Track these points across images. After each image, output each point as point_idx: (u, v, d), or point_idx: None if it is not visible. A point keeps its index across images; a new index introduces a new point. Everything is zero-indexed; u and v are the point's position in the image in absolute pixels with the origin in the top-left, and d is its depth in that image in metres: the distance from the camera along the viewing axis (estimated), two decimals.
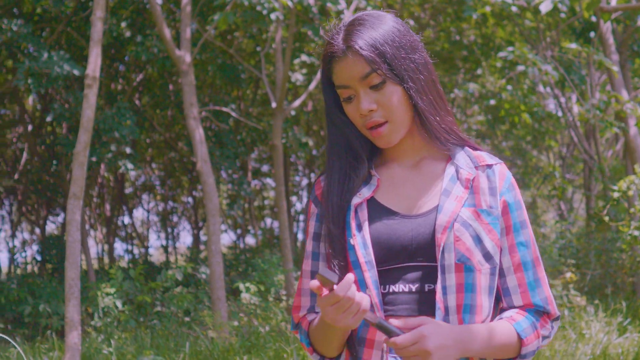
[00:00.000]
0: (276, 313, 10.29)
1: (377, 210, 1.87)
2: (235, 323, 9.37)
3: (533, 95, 13.45)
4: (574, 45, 8.37)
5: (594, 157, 15.08)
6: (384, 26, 1.84)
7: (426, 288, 1.80)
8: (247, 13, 10.78)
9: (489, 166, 1.91)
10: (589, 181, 16.94)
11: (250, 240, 25.10)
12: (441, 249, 1.78)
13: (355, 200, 1.88)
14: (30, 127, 16.33)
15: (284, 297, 11.41)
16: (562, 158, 23.68)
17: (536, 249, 1.91)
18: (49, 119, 12.78)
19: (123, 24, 12.34)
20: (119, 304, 9.28)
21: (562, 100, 14.43)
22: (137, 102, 16.03)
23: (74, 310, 6.12)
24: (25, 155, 16.52)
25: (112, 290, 9.35)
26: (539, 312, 1.89)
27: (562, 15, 11.81)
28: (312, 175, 23.83)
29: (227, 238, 24.90)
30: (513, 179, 1.93)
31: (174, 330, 9.23)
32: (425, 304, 1.79)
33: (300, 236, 25.23)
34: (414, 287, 1.80)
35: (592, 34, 12.23)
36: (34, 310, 10.76)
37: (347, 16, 10.00)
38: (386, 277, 1.82)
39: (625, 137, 9.32)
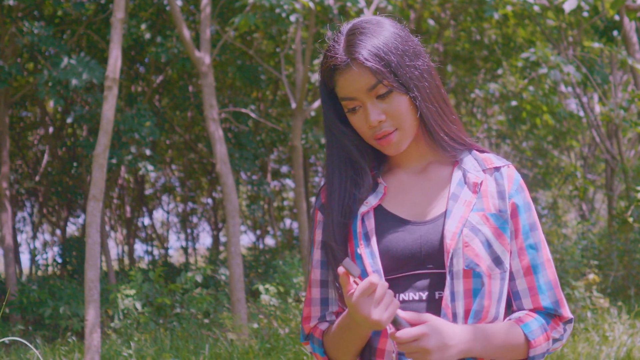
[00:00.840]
0: (296, 315, 10.25)
1: (384, 218, 1.84)
2: (255, 325, 9.34)
3: (554, 95, 13.34)
4: (597, 44, 8.26)
5: (616, 157, 14.94)
6: (385, 33, 1.78)
7: (436, 295, 1.77)
8: (266, 15, 10.77)
9: (497, 169, 1.88)
10: (611, 181, 16.79)
11: (269, 241, 25.12)
12: (450, 255, 1.74)
13: (362, 209, 1.85)
14: (51, 129, 16.41)
15: (304, 299, 11.35)
16: (584, 158, 23.48)
17: (547, 251, 1.88)
18: (69, 120, 12.82)
19: (143, 26, 12.35)
20: (138, 305, 9.28)
21: (584, 100, 14.29)
22: (157, 103, 16.06)
23: (93, 312, 6.11)
24: (46, 157, 16.59)
25: (132, 292, 9.35)
26: (550, 315, 1.86)
27: (585, 14, 11.70)
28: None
29: (246, 239, 24.90)
30: (522, 180, 1.90)
31: (193, 332, 9.21)
32: (435, 312, 1.75)
33: None
34: (424, 295, 1.77)
35: (615, 33, 12.09)
36: (55, 312, 10.79)
37: (368, 15, 9.92)
38: (395, 285, 1.78)
39: None
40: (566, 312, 1.86)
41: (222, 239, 21.94)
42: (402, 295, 1.77)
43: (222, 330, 9.49)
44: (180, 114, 17.35)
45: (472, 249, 1.75)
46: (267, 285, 10.40)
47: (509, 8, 9.53)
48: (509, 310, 1.88)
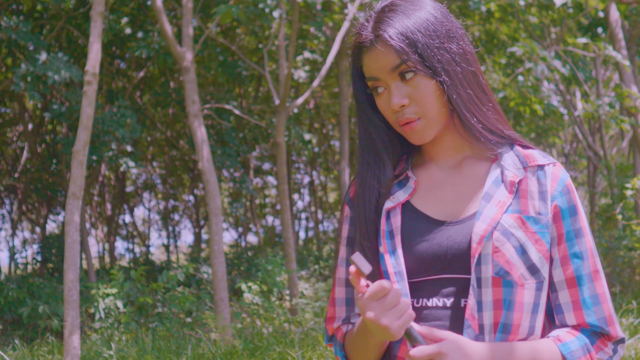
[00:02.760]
0: (279, 314, 10.14)
1: (411, 216, 1.70)
2: (239, 325, 9.22)
3: (537, 92, 13.32)
4: (584, 40, 8.20)
5: (599, 154, 14.95)
6: (418, 12, 1.67)
7: (462, 303, 1.62)
8: (249, 10, 10.65)
9: (540, 167, 1.71)
10: (593, 178, 16.82)
11: (251, 238, 25.00)
12: (475, 260, 1.59)
13: (388, 205, 1.72)
14: (30, 126, 16.19)
15: (287, 297, 11.26)
16: (565, 155, 23.56)
17: (595, 261, 1.69)
18: (48, 118, 12.63)
19: (124, 21, 12.18)
20: (119, 304, 9.13)
21: (567, 97, 14.28)
22: (138, 100, 15.88)
23: (73, 313, 5.97)
24: (25, 153, 16.37)
25: (113, 291, 9.19)
26: (596, 334, 1.66)
27: (570, 10, 11.67)
28: (315, 173, 23.69)
29: (228, 236, 24.80)
30: (569, 181, 1.72)
31: (175, 332, 9.07)
32: (459, 321, 1.61)
33: (302, 234, 25.14)
34: (448, 302, 1.63)
35: (599, 30, 12.07)
36: (33, 311, 10.61)
37: (352, 10, 9.83)
38: (418, 289, 1.64)
39: (635, 133, 9.15)
40: (616, 330, 1.66)
41: (204, 236, 21.80)
42: (425, 301, 1.64)
43: (205, 330, 9.36)
44: (162, 111, 17.19)
45: (503, 254, 1.60)
46: (250, 284, 10.27)
47: (492, 5, 9.47)
48: (554, 325, 1.71)
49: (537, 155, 1.72)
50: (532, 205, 1.65)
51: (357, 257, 1.46)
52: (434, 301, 1.63)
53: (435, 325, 1.62)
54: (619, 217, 8.00)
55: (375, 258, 1.68)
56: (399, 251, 1.65)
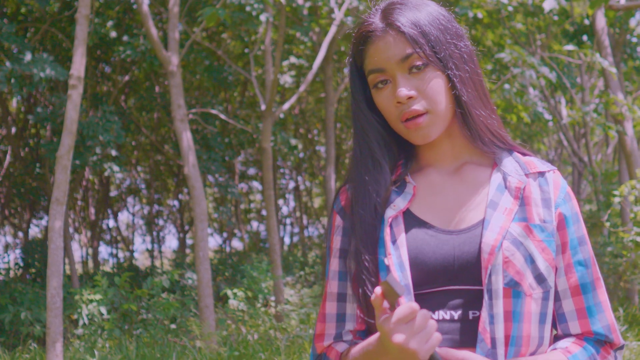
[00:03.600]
0: (265, 320, 10.07)
1: (413, 225, 1.62)
2: (224, 332, 9.15)
3: (522, 99, 13.35)
4: (571, 47, 8.20)
5: (584, 161, 15.00)
6: (427, 8, 1.64)
7: (470, 315, 1.55)
8: (236, 14, 10.60)
9: (541, 174, 1.66)
10: (577, 185, 16.87)
11: (236, 243, 24.90)
12: (488, 271, 1.53)
13: (390, 213, 1.63)
14: (13, 129, 16.03)
15: (273, 304, 11.19)
16: (550, 162, 23.64)
17: (597, 269, 1.66)
18: (32, 121, 12.51)
19: (109, 24, 12.09)
20: (103, 310, 9.03)
21: (552, 103, 14.32)
22: (122, 104, 15.78)
23: (56, 321, 5.88)
24: (8, 157, 16.21)
25: (97, 297, 9.09)
26: (600, 342, 1.63)
27: (555, 17, 11.69)
28: (300, 178, 23.64)
29: (212, 242, 24.64)
30: (569, 188, 1.69)
31: (159, 338, 8.98)
32: (469, 334, 1.54)
33: (287, 240, 25.06)
34: (456, 315, 1.56)
35: (584, 38, 12.11)
36: (15, 317, 10.47)
37: (339, 16, 9.79)
38: (425, 302, 1.56)
39: (621, 140, 9.17)
40: (618, 338, 1.64)
41: (189, 241, 21.69)
42: (431, 314, 1.54)
43: (190, 337, 9.27)
44: (147, 115, 17.07)
45: (513, 264, 1.54)
46: (235, 290, 10.20)
47: (479, 15, 9.47)
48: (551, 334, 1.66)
49: (536, 162, 1.69)
50: (536, 213, 1.61)
51: (392, 278, 1.38)
52: (440, 314, 1.57)
53: (444, 339, 1.55)
54: (607, 224, 8.00)
55: (375, 267, 1.60)
56: (406, 262, 1.57)
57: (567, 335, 1.64)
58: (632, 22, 14.42)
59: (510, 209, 1.59)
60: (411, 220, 1.63)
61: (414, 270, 1.57)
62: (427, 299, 1.56)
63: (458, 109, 1.63)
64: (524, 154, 1.71)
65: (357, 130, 1.72)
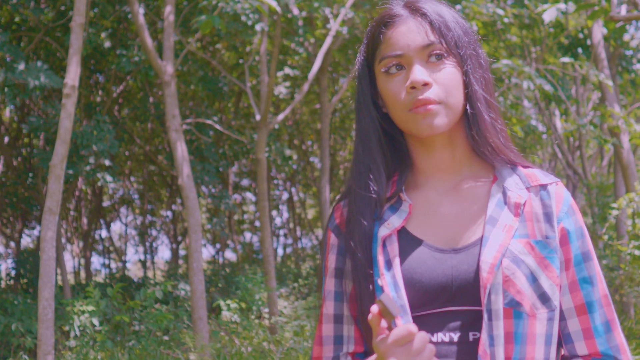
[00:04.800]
0: (258, 332, 9.99)
1: (409, 244, 1.55)
2: (218, 345, 9.06)
3: (516, 111, 13.35)
4: (567, 59, 8.19)
5: (579, 173, 15.00)
6: (450, 9, 1.60)
7: (470, 337, 1.48)
8: (231, 24, 10.56)
9: (543, 186, 1.59)
10: (572, 197, 16.84)
11: (229, 254, 24.80)
12: (487, 291, 1.45)
13: (383, 232, 1.55)
14: (6, 139, 15.96)
15: (266, 316, 11.11)
16: None
17: (604, 286, 1.58)
18: (25, 130, 12.43)
19: (103, 34, 12.04)
20: (95, 322, 8.93)
21: (545, 115, 14.32)
22: (116, 114, 15.72)
23: (47, 333, 5.80)
24: (0, 167, 16.12)
25: (90, 308, 9.00)
26: None
27: (551, 30, 11.69)
28: (293, 189, 23.58)
29: (205, 252, 24.54)
30: (573, 201, 1.61)
31: (152, 350, 8.88)
32: (469, 356, 1.47)
33: (280, 251, 24.98)
34: (455, 337, 1.48)
35: (579, 50, 12.13)
36: (6, 328, 10.36)
37: (334, 26, 9.77)
38: (422, 324, 1.49)
39: (617, 153, 9.15)
40: (628, 358, 1.56)
41: (182, 252, 21.59)
42: (429, 337, 1.47)
43: (183, 349, 9.18)
44: (141, 125, 17.02)
45: (514, 283, 1.47)
46: (228, 302, 10.12)
47: (475, 27, 9.46)
48: (559, 354, 1.58)
49: (538, 174, 1.61)
50: (538, 229, 1.53)
51: (386, 297, 1.32)
52: (439, 336, 1.49)
53: None
54: (605, 237, 7.96)
55: (372, 290, 1.53)
56: (400, 282, 1.50)
57: (573, 356, 1.56)
58: (626, 36, 14.45)
59: (510, 226, 1.52)
60: (406, 238, 1.56)
61: (410, 291, 1.50)
62: (424, 321, 1.49)
63: (470, 110, 1.57)
64: (525, 166, 1.63)
65: (359, 127, 1.66)
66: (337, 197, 1.73)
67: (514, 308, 1.46)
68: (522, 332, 1.47)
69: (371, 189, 1.60)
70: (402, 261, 1.53)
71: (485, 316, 1.45)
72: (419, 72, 1.52)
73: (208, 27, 6.35)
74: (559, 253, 1.54)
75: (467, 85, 1.57)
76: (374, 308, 1.36)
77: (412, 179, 1.65)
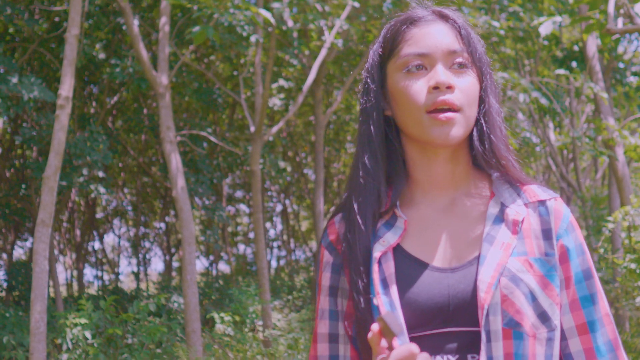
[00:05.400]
0: (252, 345, 9.92)
1: (404, 262, 1.49)
2: (212, 358, 9.00)
3: (509, 123, 13.37)
4: (562, 71, 8.19)
5: (573, 185, 15.00)
6: (470, 27, 1.58)
7: (469, 359, 1.43)
8: (225, 36, 10.55)
9: (542, 202, 1.54)
10: None
11: (223, 266, 24.72)
12: (485, 311, 1.40)
13: (379, 249, 1.50)
14: None
15: (260, 329, 11.05)
16: None
17: (605, 304, 1.53)
18: (18, 142, 12.38)
19: (97, 46, 12.02)
20: (88, 335, 8.86)
21: (539, 128, 14.34)
22: (110, 125, 15.68)
23: (39, 346, 5.74)
24: None
25: (82, 321, 8.92)
26: None
27: (545, 42, 11.71)
28: (287, 201, 23.54)
29: (199, 264, 24.48)
30: (572, 217, 1.56)
31: None
32: None
33: (274, 263, 24.91)
34: (453, 359, 1.44)
35: (574, 63, 12.15)
36: None
37: (329, 39, 9.75)
38: (418, 345, 1.42)
39: (612, 165, 9.15)
40: None
41: (175, 264, 21.51)
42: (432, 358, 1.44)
43: None
44: (134, 137, 16.98)
45: (513, 303, 1.41)
46: (222, 314, 10.05)
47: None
48: None
49: (536, 190, 1.56)
50: (537, 246, 1.48)
51: (389, 315, 1.28)
52: (437, 359, 1.44)
53: None
54: (601, 250, 7.94)
55: (369, 309, 1.48)
56: (397, 303, 1.44)
57: None
58: (620, 49, 14.49)
59: (508, 244, 1.47)
60: (402, 256, 1.50)
61: (406, 311, 1.45)
62: (421, 342, 1.44)
63: (485, 125, 1.54)
64: (523, 182, 1.58)
65: (364, 129, 1.59)
66: (332, 210, 1.67)
67: (513, 328, 1.41)
68: (523, 353, 1.42)
69: (374, 199, 1.55)
70: (397, 280, 1.47)
71: (483, 337, 1.40)
72: (443, 74, 1.48)
73: (202, 38, 6.32)
74: (559, 271, 1.49)
75: (482, 100, 1.54)
76: (375, 326, 1.31)
77: (408, 193, 1.60)
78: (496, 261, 1.44)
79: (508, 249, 1.46)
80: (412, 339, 1.44)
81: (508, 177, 1.56)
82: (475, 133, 1.55)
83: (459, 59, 1.50)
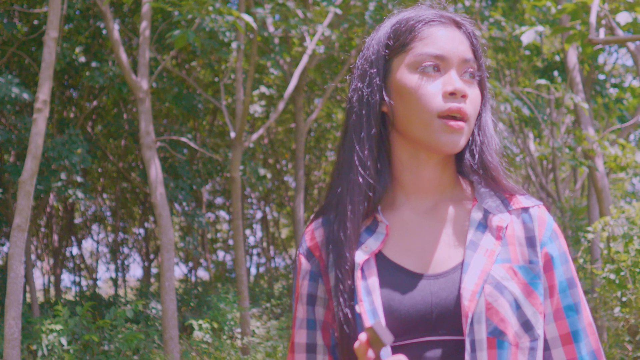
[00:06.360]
0: (230, 353, 9.86)
1: (386, 269, 1.45)
2: None
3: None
4: (543, 81, 8.22)
5: (553, 196, 15.06)
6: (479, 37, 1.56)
7: None
8: (207, 42, 10.51)
9: (525, 209, 1.50)
10: None
11: (202, 273, 24.61)
12: (469, 319, 1.36)
13: (361, 255, 1.45)
14: None
15: (238, 336, 10.98)
16: None
17: (588, 313, 1.51)
18: None
19: (77, 49, 11.93)
20: (64, 341, 8.75)
21: (519, 138, 14.40)
22: (89, 130, 15.57)
23: (13, 352, 5.65)
24: None
25: (58, 327, 8.82)
26: None
27: (527, 52, 11.77)
28: (267, 208, 23.48)
29: (178, 271, 24.33)
30: (556, 225, 1.53)
31: None
32: None
33: (253, 270, 24.82)
34: None
35: (555, 73, 12.21)
36: None
37: (310, 46, 9.74)
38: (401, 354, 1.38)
39: (592, 176, 9.18)
40: None
41: (154, 270, 21.37)
42: None
43: None
44: (114, 142, 16.87)
45: (497, 311, 1.37)
46: (200, 321, 9.98)
47: None
48: None
49: (520, 197, 1.53)
50: (520, 253, 1.45)
51: (378, 324, 1.24)
52: None
53: None
54: (581, 260, 7.95)
55: (352, 317, 1.43)
56: (380, 311, 1.40)
57: None
58: (601, 60, 14.60)
59: (492, 250, 1.43)
60: (383, 263, 1.46)
61: (388, 319, 1.40)
62: (404, 352, 1.39)
63: (480, 138, 1.52)
64: (506, 189, 1.54)
65: (358, 121, 1.53)
66: (312, 216, 1.62)
67: (497, 337, 1.37)
68: None
69: (364, 198, 1.49)
70: (380, 287, 1.43)
71: (468, 347, 1.36)
72: (460, 81, 1.45)
73: (182, 42, 6.26)
74: (543, 279, 1.46)
75: (479, 112, 1.53)
76: (362, 336, 1.27)
77: (390, 196, 1.55)
78: (480, 268, 1.40)
79: (492, 256, 1.42)
80: (394, 349, 1.39)
81: (493, 185, 1.53)
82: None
83: (470, 69, 1.48)
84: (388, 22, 1.54)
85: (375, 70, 1.51)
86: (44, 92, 6.24)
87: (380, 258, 1.46)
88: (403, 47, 1.49)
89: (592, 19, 4.83)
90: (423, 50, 1.46)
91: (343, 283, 1.44)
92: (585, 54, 4.71)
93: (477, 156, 1.51)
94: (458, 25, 1.51)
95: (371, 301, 1.41)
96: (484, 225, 1.47)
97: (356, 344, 1.28)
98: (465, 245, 1.45)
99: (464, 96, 1.43)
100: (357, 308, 1.41)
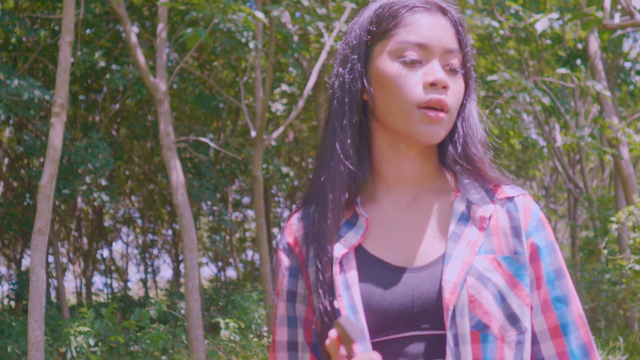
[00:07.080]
0: (257, 352, 9.87)
1: (366, 263, 1.41)
2: None
3: (515, 125, 13.28)
4: (564, 70, 8.11)
5: (580, 187, 14.91)
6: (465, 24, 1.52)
7: None
8: (225, 42, 10.53)
9: (510, 199, 1.46)
10: (574, 211, 16.74)
11: (231, 272, 24.69)
12: (451, 313, 1.32)
13: (340, 249, 1.41)
14: (6, 160, 15.94)
15: (265, 334, 11.00)
16: (545, 188, 23.51)
17: (578, 305, 1.46)
18: (18, 152, 12.40)
19: (97, 54, 12.02)
20: (91, 342, 8.83)
21: (546, 129, 14.26)
22: (114, 133, 15.69)
23: (37, 354, 5.70)
24: (1, 188, 16.07)
25: (86, 329, 8.90)
26: None
27: (548, 42, 11.64)
28: (294, 207, 23.50)
29: (208, 271, 24.46)
30: (542, 214, 1.48)
31: None
32: None
33: None
34: None
35: (578, 62, 12.07)
36: (2, 350, 10.26)
37: (329, 42, 9.70)
38: (382, 351, 1.36)
39: (617, 164, 9.04)
40: None
41: (183, 270, 21.48)
42: None
43: None
44: (139, 144, 16.99)
45: (480, 304, 1.33)
46: (227, 320, 10.00)
47: (471, 40, 9.40)
48: None
49: (505, 187, 1.49)
50: (505, 244, 1.40)
51: (345, 320, 1.21)
52: None
53: None
54: (604, 251, 7.84)
55: (332, 313, 1.40)
56: (359, 306, 1.36)
57: None
58: (626, 47, 14.41)
59: (474, 241, 1.39)
60: (363, 257, 1.42)
61: (368, 314, 1.37)
62: (384, 347, 1.36)
63: (463, 129, 1.48)
64: (490, 178, 1.49)
65: (339, 109, 1.49)
66: (294, 207, 1.59)
67: (481, 331, 1.33)
68: (491, 357, 1.34)
69: (346, 189, 1.45)
70: (359, 281, 1.39)
71: (450, 341, 1.32)
72: (441, 71, 1.41)
73: (195, 40, 6.26)
74: (529, 270, 1.41)
75: (462, 104, 1.49)
76: (332, 332, 1.24)
77: (370, 188, 1.51)
78: (462, 260, 1.36)
79: (474, 247, 1.38)
80: (374, 345, 1.36)
81: (478, 176, 1.49)
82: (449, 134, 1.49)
83: (454, 60, 1.43)
84: (372, 6, 1.49)
85: (356, 56, 1.47)
86: (61, 95, 6.28)
87: (360, 252, 1.43)
88: (385, 33, 1.45)
89: (607, 3, 4.76)
90: (405, 37, 1.42)
91: (323, 275, 1.41)
92: (602, 40, 4.64)
93: (460, 148, 1.47)
94: (444, 12, 1.46)
95: (350, 296, 1.37)
96: (466, 216, 1.43)
97: (327, 341, 1.25)
98: (447, 236, 1.41)
99: (445, 87, 1.40)
100: (336, 303, 1.37)
